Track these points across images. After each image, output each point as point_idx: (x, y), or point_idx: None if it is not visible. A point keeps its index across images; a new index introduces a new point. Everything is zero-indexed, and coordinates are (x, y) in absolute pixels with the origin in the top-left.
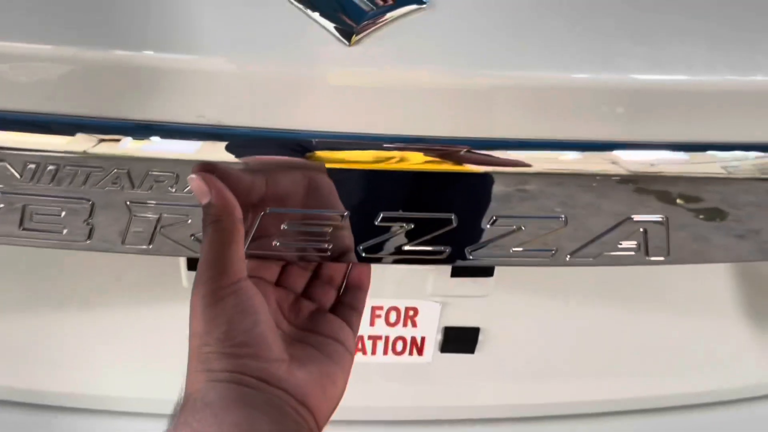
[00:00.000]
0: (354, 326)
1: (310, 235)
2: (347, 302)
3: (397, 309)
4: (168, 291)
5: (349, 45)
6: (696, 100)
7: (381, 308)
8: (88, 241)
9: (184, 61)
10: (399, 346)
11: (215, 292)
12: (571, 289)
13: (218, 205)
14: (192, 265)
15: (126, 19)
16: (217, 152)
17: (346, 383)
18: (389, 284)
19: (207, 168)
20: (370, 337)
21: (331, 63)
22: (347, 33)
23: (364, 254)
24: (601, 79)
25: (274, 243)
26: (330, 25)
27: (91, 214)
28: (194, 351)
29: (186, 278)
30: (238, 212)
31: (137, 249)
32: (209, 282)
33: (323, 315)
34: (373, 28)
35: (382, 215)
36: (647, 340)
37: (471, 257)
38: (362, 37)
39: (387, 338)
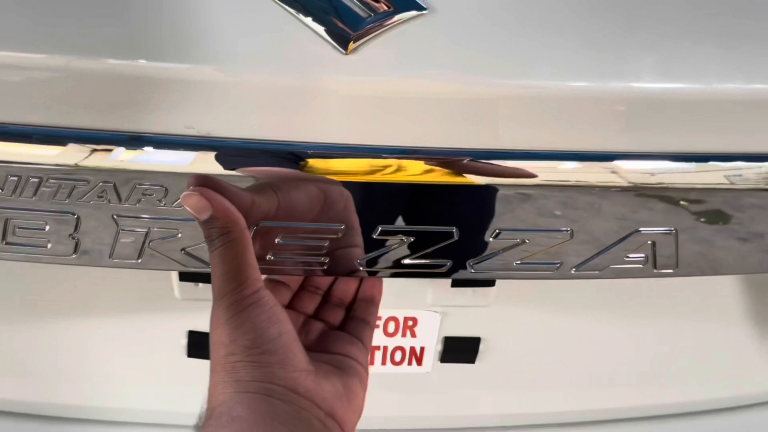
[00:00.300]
0: (366, 342)
1: (307, 249)
2: (359, 316)
3: (395, 319)
4: (160, 302)
5: (346, 53)
6: (704, 109)
7: (379, 318)
8: (74, 256)
9: (172, 70)
10: (398, 356)
11: (239, 302)
12: (573, 299)
13: (222, 217)
14: (184, 276)
15: (114, 28)
16: (206, 164)
17: (365, 397)
18: (388, 294)
19: (200, 182)
20: None
21: (326, 72)
22: (344, 41)
23: (362, 268)
24: (607, 88)
25: (268, 257)
26: (326, 33)
27: (76, 229)
28: (219, 362)
29: (178, 289)
30: (243, 220)
31: (125, 263)
32: (231, 294)
33: (335, 334)
34: (370, 36)
35: (380, 228)
36: (650, 349)
37: (473, 270)
38: (359, 45)
39: (385, 348)
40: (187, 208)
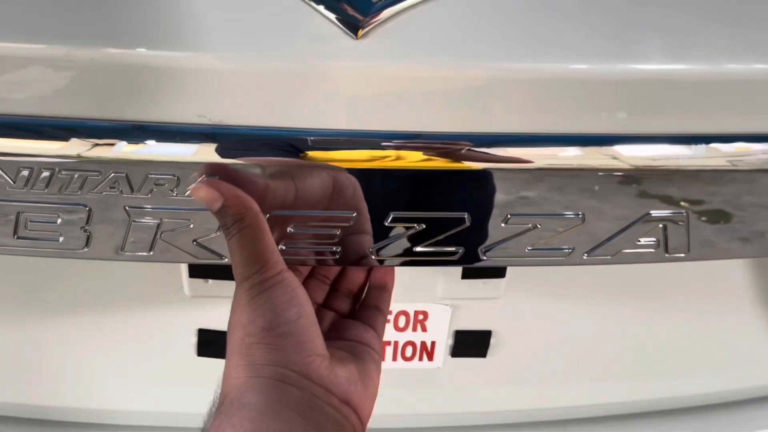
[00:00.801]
0: (379, 329)
1: (319, 238)
2: (371, 304)
3: (406, 313)
4: (169, 299)
5: (356, 38)
6: (716, 90)
7: (390, 313)
8: (86, 249)
9: (182, 59)
10: (409, 351)
11: (261, 284)
12: (585, 289)
13: (233, 204)
14: (194, 272)
15: (119, 16)
16: (218, 153)
17: (379, 383)
18: (398, 287)
19: (209, 172)
20: None
21: (337, 58)
22: (353, 26)
23: (374, 256)
24: (623, 70)
25: (281, 247)
26: (335, 18)
27: (88, 221)
28: (236, 344)
29: (187, 286)
30: (256, 205)
31: (137, 256)
32: (254, 276)
33: (347, 322)
34: (381, 20)
35: (392, 216)
36: (666, 340)
37: (485, 258)
38: (369, 30)
39: (396, 343)
40: (198, 200)
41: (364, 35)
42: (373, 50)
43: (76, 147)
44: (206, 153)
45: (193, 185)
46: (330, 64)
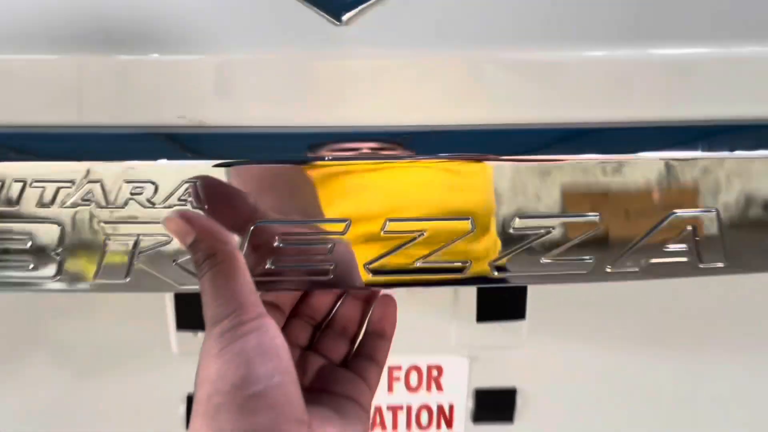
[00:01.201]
0: (371, 383)
1: (306, 254)
2: (366, 353)
3: (418, 368)
4: (155, 358)
5: (340, 24)
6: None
7: (399, 369)
8: (58, 278)
9: (155, 60)
10: (424, 417)
11: (235, 329)
12: (622, 333)
13: (205, 238)
14: (181, 322)
15: (88, 18)
16: (199, 155)
17: None
18: (406, 336)
19: (189, 182)
20: (389, 408)
21: (319, 45)
22: (336, 11)
23: (371, 275)
24: (622, 54)
25: (266, 266)
26: (318, 7)
27: (60, 242)
28: (201, 404)
29: (175, 341)
30: (232, 239)
31: (113, 285)
32: (227, 320)
33: (337, 371)
34: (367, 4)
35: (388, 223)
36: (732, 395)
37: (495, 273)
38: (355, 15)
39: (409, 408)
40: (170, 233)
41: (350, 21)
42: (357, 36)
43: (45, 156)
44: (185, 156)
45: (164, 216)
46: (309, 53)
